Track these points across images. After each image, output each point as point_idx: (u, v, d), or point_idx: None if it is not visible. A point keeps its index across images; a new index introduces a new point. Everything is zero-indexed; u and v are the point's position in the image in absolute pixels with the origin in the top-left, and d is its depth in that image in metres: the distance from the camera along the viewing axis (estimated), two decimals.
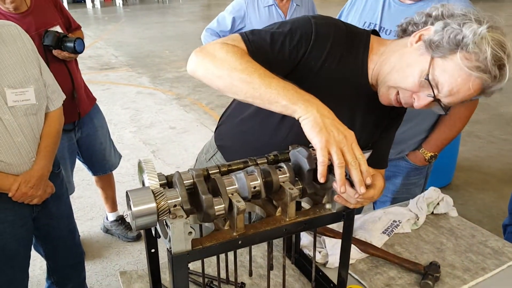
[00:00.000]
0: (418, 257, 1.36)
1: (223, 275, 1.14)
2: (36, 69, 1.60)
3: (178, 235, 0.78)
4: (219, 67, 0.97)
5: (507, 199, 2.38)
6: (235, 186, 0.88)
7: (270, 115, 1.05)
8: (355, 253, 1.32)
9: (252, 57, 0.99)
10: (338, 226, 1.40)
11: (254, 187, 0.88)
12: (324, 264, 1.30)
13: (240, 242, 0.86)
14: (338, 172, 0.85)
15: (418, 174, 1.91)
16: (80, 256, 2.08)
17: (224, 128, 1.39)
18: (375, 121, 1.25)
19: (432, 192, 1.61)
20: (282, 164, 0.93)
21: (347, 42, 1.12)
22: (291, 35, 1.07)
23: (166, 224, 0.81)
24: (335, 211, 0.96)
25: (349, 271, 1.21)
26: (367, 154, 0.96)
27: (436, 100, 1.02)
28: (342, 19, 1.86)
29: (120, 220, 3.00)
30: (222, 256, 1.05)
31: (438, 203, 1.59)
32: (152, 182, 0.83)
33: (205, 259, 1.00)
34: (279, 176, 0.90)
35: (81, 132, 2.47)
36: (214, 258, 1.02)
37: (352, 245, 1.27)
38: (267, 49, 1.05)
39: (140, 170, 0.87)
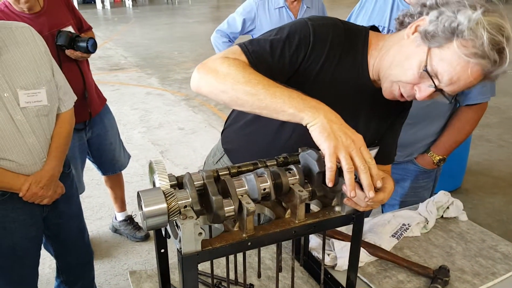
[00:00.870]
0: (428, 261, 1.35)
1: (231, 276, 1.14)
2: (48, 71, 1.62)
3: (188, 236, 0.79)
4: (222, 82, 0.97)
5: None
6: (245, 188, 0.88)
7: None
8: (364, 256, 1.32)
9: (254, 68, 1.00)
10: (346, 229, 1.40)
11: (264, 189, 0.89)
12: (333, 267, 1.30)
13: (249, 243, 0.87)
14: (348, 177, 0.85)
15: (426, 177, 1.90)
16: (89, 255, 2.09)
17: (229, 131, 1.40)
18: (380, 118, 1.24)
19: (442, 196, 1.60)
20: (292, 166, 0.93)
21: (346, 40, 1.12)
22: (289, 40, 1.07)
23: (177, 225, 0.81)
24: (344, 214, 0.96)
25: (358, 274, 1.21)
26: (374, 152, 0.96)
27: (438, 90, 1.01)
28: (351, 21, 1.86)
29: (129, 220, 3.01)
30: (231, 257, 1.06)
31: (448, 207, 1.58)
32: (163, 183, 0.84)
33: (214, 260, 1.01)
34: (289, 178, 0.91)
35: (91, 132, 2.49)
36: (223, 259, 1.02)
37: (361, 248, 1.27)
38: (268, 58, 1.05)
39: (151, 170, 0.88)
